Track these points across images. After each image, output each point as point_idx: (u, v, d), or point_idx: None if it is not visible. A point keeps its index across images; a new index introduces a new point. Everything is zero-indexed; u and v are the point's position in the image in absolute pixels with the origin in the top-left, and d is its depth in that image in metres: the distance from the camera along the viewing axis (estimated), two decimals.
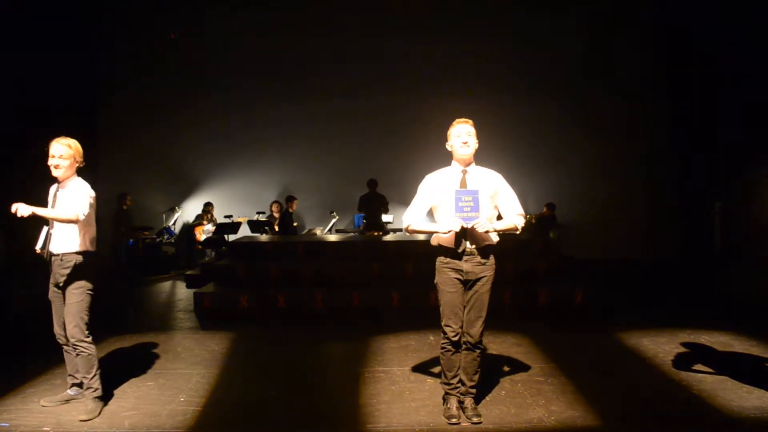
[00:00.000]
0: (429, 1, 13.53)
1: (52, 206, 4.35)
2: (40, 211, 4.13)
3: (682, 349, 5.93)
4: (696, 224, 12.50)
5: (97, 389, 4.43)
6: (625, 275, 11.07)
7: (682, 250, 12.79)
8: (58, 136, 4.45)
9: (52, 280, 4.40)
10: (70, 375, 4.56)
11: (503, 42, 13.30)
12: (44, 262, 4.39)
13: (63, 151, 4.35)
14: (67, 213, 4.22)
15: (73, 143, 4.44)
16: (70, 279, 4.37)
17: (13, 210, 4.08)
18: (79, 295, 4.38)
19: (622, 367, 5.54)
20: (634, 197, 13.43)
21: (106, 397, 4.57)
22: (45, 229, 4.34)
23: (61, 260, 4.35)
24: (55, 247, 4.35)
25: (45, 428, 4.14)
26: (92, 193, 4.43)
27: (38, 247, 4.33)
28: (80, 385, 4.52)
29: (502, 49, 13.30)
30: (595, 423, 4.18)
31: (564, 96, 13.39)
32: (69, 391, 4.55)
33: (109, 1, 13.28)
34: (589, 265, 10.12)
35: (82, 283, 4.40)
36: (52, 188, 4.48)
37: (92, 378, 4.42)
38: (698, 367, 5.35)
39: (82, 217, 4.27)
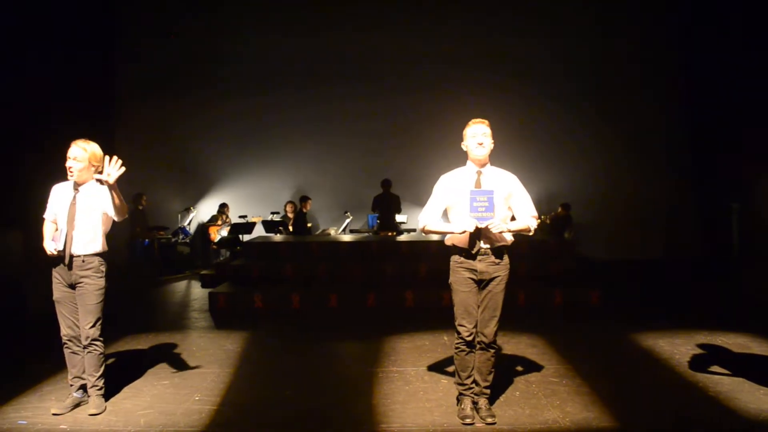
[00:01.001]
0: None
1: (71, 211, 4.39)
2: (116, 189, 4.34)
3: (699, 351, 5.88)
4: (713, 225, 12.38)
5: (101, 387, 4.49)
6: (640, 276, 10.99)
7: (699, 250, 12.67)
8: (75, 137, 4.49)
9: (64, 281, 4.40)
10: (76, 377, 4.51)
11: (519, 40, 13.21)
12: (62, 262, 4.36)
13: (78, 154, 4.40)
14: (123, 208, 4.46)
15: (90, 147, 4.46)
16: (92, 280, 4.40)
17: (108, 174, 4.23)
18: (99, 295, 4.43)
19: (638, 368, 5.50)
20: (650, 197, 13.29)
21: (108, 395, 4.61)
22: (63, 229, 4.36)
23: (83, 261, 4.39)
24: (76, 249, 4.37)
25: (62, 426, 4.17)
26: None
27: (57, 247, 4.33)
28: (85, 388, 4.51)
29: (517, 47, 13.22)
30: (611, 424, 4.15)
31: (580, 95, 13.31)
32: (76, 394, 4.50)
33: (127, 6, 13.36)
34: (605, 266, 10.06)
35: (101, 283, 4.46)
36: (65, 191, 4.47)
37: (99, 377, 4.46)
38: (715, 368, 5.30)
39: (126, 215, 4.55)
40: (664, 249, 13.09)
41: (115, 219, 4.49)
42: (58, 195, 4.51)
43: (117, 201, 4.35)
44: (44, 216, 4.58)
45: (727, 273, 10.93)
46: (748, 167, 10.97)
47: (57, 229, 4.44)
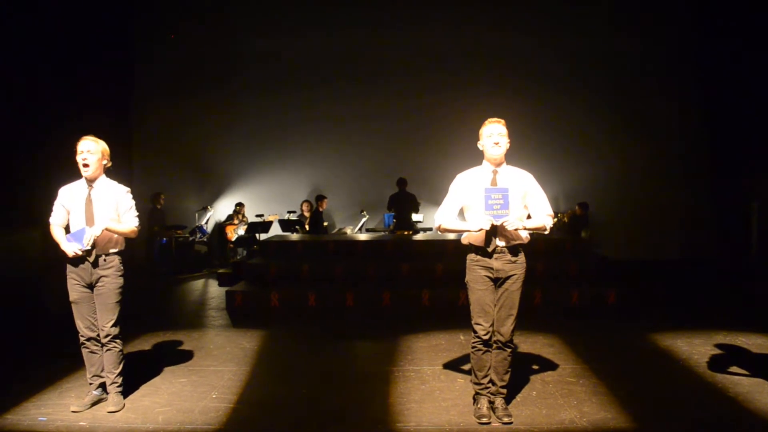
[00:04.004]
0: None
1: (88, 208, 4.42)
2: (112, 226, 4.43)
3: (718, 351, 5.83)
4: (732, 224, 12.26)
5: (120, 385, 4.53)
6: (659, 275, 10.90)
7: (718, 249, 12.55)
8: (90, 134, 4.53)
9: (83, 280, 4.40)
10: (95, 375, 4.54)
11: (537, 37, 13.15)
12: (87, 260, 4.37)
13: (91, 147, 4.43)
14: (131, 227, 4.54)
15: (101, 141, 4.51)
16: (112, 278, 4.44)
17: (88, 245, 4.33)
18: (118, 294, 4.47)
19: (656, 368, 5.46)
20: (668, 196, 13.19)
21: (126, 392, 4.66)
22: (84, 230, 4.34)
23: (104, 260, 4.42)
24: (97, 248, 4.40)
25: (81, 423, 4.22)
26: (129, 190, 4.62)
27: (82, 247, 4.29)
28: (104, 386, 4.56)
29: (533, 47, 13.17)
30: (628, 425, 4.13)
31: (597, 95, 13.22)
32: (95, 392, 4.54)
33: (144, 6, 13.46)
34: (622, 265, 9.99)
35: (121, 281, 4.50)
36: (77, 190, 4.48)
37: (118, 374, 4.51)
38: (734, 369, 5.25)
39: (138, 226, 4.62)
40: (682, 248, 12.97)
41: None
42: (70, 195, 4.49)
43: (121, 233, 4.51)
44: (51, 221, 4.51)
45: (746, 272, 10.82)
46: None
47: (68, 231, 4.44)
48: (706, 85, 13.04)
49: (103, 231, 4.36)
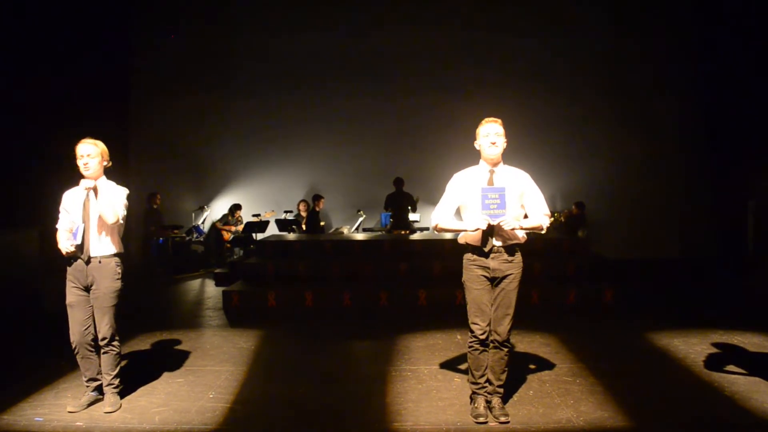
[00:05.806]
0: None
1: (87, 209, 4.41)
2: (100, 195, 4.38)
3: (714, 350, 5.84)
4: (730, 223, 12.26)
5: (117, 386, 4.52)
6: (656, 274, 10.91)
7: (716, 249, 12.56)
8: (88, 136, 4.52)
9: (79, 282, 4.39)
10: (91, 379, 4.52)
11: (533, 36, 13.15)
12: (80, 257, 4.35)
13: (91, 150, 4.42)
14: (111, 213, 4.37)
15: (99, 143, 4.51)
16: (108, 282, 4.41)
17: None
18: (114, 297, 4.45)
19: (653, 367, 5.47)
20: (665, 195, 13.20)
21: (123, 392, 4.63)
22: (80, 227, 4.34)
23: (100, 263, 4.40)
24: (93, 249, 4.39)
25: (78, 423, 4.21)
26: (127, 191, 4.59)
27: (75, 242, 4.31)
28: (100, 388, 4.54)
29: (531, 46, 13.17)
30: (625, 424, 4.13)
31: (594, 94, 13.22)
32: (92, 393, 4.53)
33: (143, 6, 13.44)
34: (620, 264, 9.99)
35: (117, 285, 4.47)
36: (77, 193, 4.47)
37: (115, 376, 4.50)
38: (731, 368, 5.25)
39: (121, 222, 4.47)
40: (679, 247, 12.98)
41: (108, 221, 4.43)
42: (71, 198, 4.50)
43: (101, 208, 4.40)
44: (57, 226, 4.53)
45: (743, 271, 10.83)
46: (765, 164, 10.86)
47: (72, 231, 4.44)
48: (705, 84, 13.05)
49: (95, 190, 4.38)
